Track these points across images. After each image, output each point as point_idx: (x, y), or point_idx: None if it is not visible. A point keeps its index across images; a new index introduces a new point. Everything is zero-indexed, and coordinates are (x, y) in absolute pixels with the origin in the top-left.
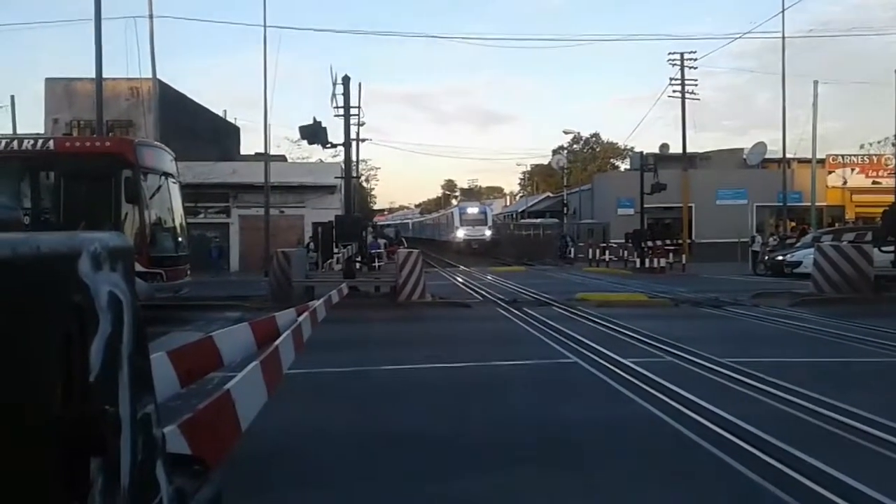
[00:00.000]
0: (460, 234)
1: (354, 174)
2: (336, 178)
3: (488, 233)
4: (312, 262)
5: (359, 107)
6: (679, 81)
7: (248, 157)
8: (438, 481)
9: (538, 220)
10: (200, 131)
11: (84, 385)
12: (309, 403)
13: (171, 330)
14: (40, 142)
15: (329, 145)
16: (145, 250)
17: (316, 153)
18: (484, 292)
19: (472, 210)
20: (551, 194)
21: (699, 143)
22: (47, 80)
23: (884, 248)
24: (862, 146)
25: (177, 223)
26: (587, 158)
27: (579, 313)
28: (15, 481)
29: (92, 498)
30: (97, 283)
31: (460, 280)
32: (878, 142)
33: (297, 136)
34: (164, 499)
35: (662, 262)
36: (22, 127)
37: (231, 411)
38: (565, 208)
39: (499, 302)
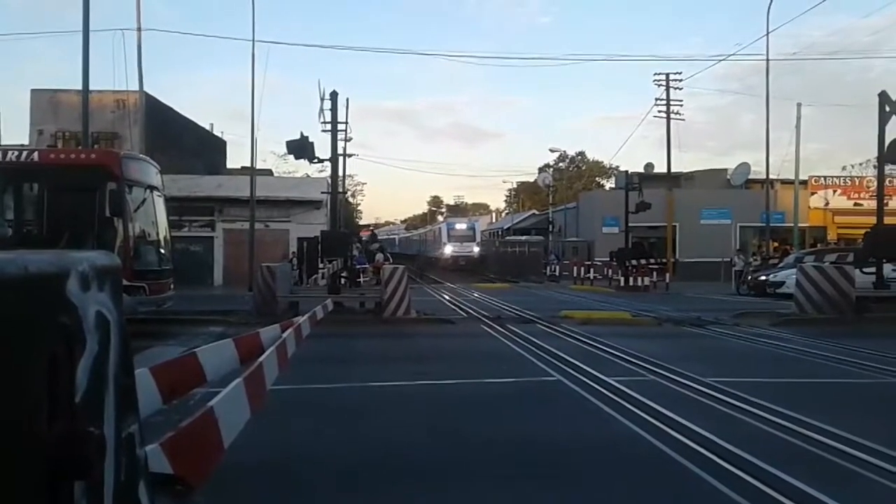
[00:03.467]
0: (448, 250)
1: (341, 189)
2: (322, 192)
3: (476, 249)
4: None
5: (346, 122)
6: (664, 102)
7: (234, 171)
8: (423, 498)
9: (523, 238)
10: (186, 145)
11: (70, 406)
12: (293, 420)
13: (154, 345)
14: (25, 153)
15: (316, 160)
16: (129, 264)
17: (302, 168)
18: (469, 309)
19: (461, 226)
20: (537, 212)
21: (684, 163)
22: (33, 91)
23: (865, 270)
24: (844, 168)
25: (161, 237)
26: (573, 176)
27: (563, 331)
28: None
29: None
30: (85, 303)
31: (446, 297)
32: (860, 164)
33: (284, 150)
34: None
35: (646, 280)
36: (6, 138)
37: (214, 429)
38: (551, 226)
39: (483, 319)
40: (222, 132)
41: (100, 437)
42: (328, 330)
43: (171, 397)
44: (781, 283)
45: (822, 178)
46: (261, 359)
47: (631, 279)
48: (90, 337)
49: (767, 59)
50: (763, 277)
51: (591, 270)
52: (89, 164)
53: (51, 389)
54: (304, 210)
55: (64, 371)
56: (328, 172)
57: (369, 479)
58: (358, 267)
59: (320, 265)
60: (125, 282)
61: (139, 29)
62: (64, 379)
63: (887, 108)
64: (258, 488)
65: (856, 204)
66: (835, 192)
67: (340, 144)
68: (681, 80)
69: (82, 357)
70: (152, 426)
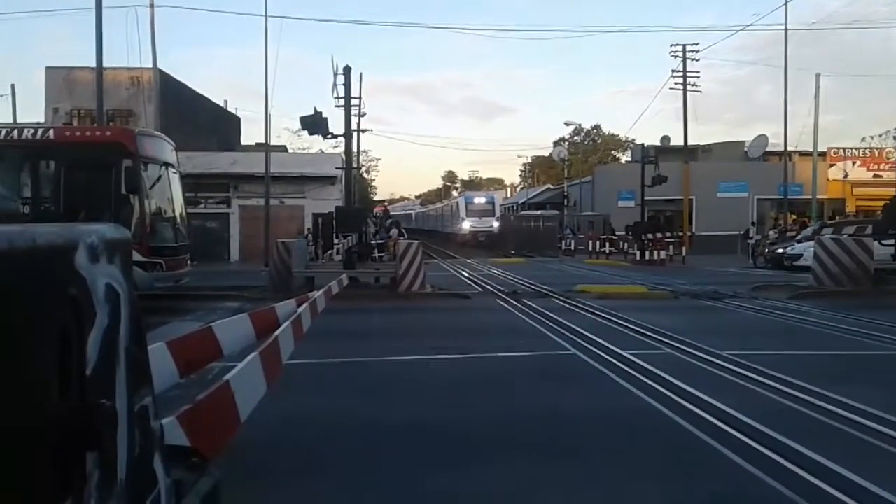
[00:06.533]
0: (466, 225)
1: (355, 165)
2: (336, 168)
3: (496, 224)
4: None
5: (360, 97)
6: (681, 73)
7: (248, 148)
8: (441, 471)
9: (539, 212)
10: (201, 121)
11: (80, 379)
12: (309, 394)
13: (171, 320)
14: (40, 131)
15: (330, 136)
16: (145, 240)
17: (317, 144)
18: (484, 284)
19: (480, 200)
20: (552, 186)
21: (700, 136)
22: (48, 68)
23: (884, 242)
24: (863, 139)
25: (177, 213)
26: (588, 150)
27: (579, 305)
28: (10, 476)
29: (88, 492)
30: (94, 275)
31: (461, 272)
32: (880, 135)
33: (298, 126)
34: (161, 491)
35: (662, 254)
36: (22, 116)
37: (230, 403)
38: (566, 200)
39: (498, 293)
40: (236, 108)
41: (110, 409)
42: (343, 305)
43: (188, 371)
44: (799, 256)
45: (841, 150)
46: (276, 333)
47: (647, 253)
48: (100, 309)
49: (786, 29)
50: (780, 250)
51: (607, 244)
52: (105, 142)
53: (61, 361)
54: (318, 186)
55: (74, 343)
56: (342, 148)
57: (386, 454)
58: (379, 242)
59: (335, 241)
60: (142, 258)
61: (152, 5)
62: (74, 351)
63: None
64: (274, 462)
65: (875, 175)
66: (854, 163)
67: (354, 120)
68: (697, 52)
69: (92, 329)
70: (170, 400)
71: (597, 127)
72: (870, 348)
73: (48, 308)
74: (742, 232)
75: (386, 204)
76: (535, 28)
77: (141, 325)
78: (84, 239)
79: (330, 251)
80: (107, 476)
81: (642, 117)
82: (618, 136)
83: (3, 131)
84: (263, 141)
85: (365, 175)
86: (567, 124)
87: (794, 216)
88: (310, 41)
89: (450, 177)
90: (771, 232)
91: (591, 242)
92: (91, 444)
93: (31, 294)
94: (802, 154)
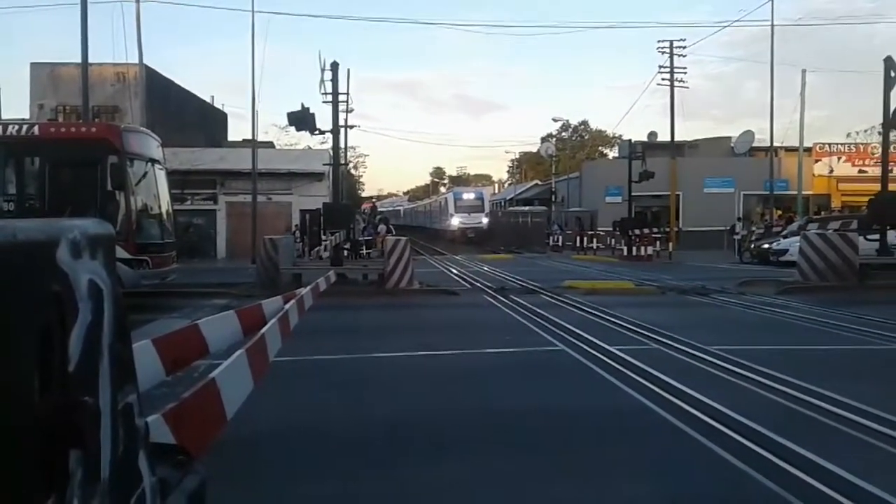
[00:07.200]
0: (455, 221)
1: (342, 161)
2: (324, 165)
3: (485, 220)
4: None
5: (347, 93)
6: (668, 69)
7: (235, 144)
8: (429, 467)
9: (526, 208)
10: (188, 117)
11: (62, 376)
12: (296, 391)
13: (158, 317)
14: (25, 127)
15: (317, 132)
16: (131, 237)
17: (304, 140)
18: (472, 280)
19: (468, 196)
20: (540, 182)
21: (687, 132)
22: (32, 64)
23: (869, 237)
24: (848, 135)
25: (163, 210)
26: (576, 146)
27: (567, 301)
28: None
29: (71, 490)
30: (76, 271)
31: (449, 268)
32: (865, 130)
33: (285, 122)
34: (146, 490)
35: (649, 250)
36: (7, 112)
37: (216, 400)
38: (554, 196)
39: (486, 290)
40: (223, 105)
41: (94, 406)
42: (331, 302)
43: (174, 369)
44: (785, 251)
45: (827, 146)
46: (263, 330)
47: (634, 249)
48: (83, 305)
49: (772, 25)
50: (766, 245)
51: (594, 240)
52: (90, 138)
53: (42, 358)
54: (306, 182)
55: (56, 340)
56: (330, 144)
57: (373, 450)
58: (367, 238)
59: (323, 237)
60: (128, 255)
61: (138, 0)
62: (56, 348)
63: (892, 74)
64: (261, 459)
65: (860, 171)
66: (839, 159)
67: (342, 116)
68: (685, 48)
69: (75, 326)
70: (155, 397)
71: (584, 123)
72: (856, 343)
73: (29, 304)
74: (728, 227)
75: (374, 200)
76: (523, 24)
77: (125, 322)
78: (66, 234)
79: (318, 248)
80: (90, 474)
81: (630, 113)
82: (605, 132)
83: None
84: (250, 137)
85: (353, 171)
86: (555, 120)
87: (779, 212)
88: (298, 37)
89: (438, 173)
90: (754, 227)
91: (578, 238)
92: (74, 442)
93: (11, 290)
94: (788, 150)
